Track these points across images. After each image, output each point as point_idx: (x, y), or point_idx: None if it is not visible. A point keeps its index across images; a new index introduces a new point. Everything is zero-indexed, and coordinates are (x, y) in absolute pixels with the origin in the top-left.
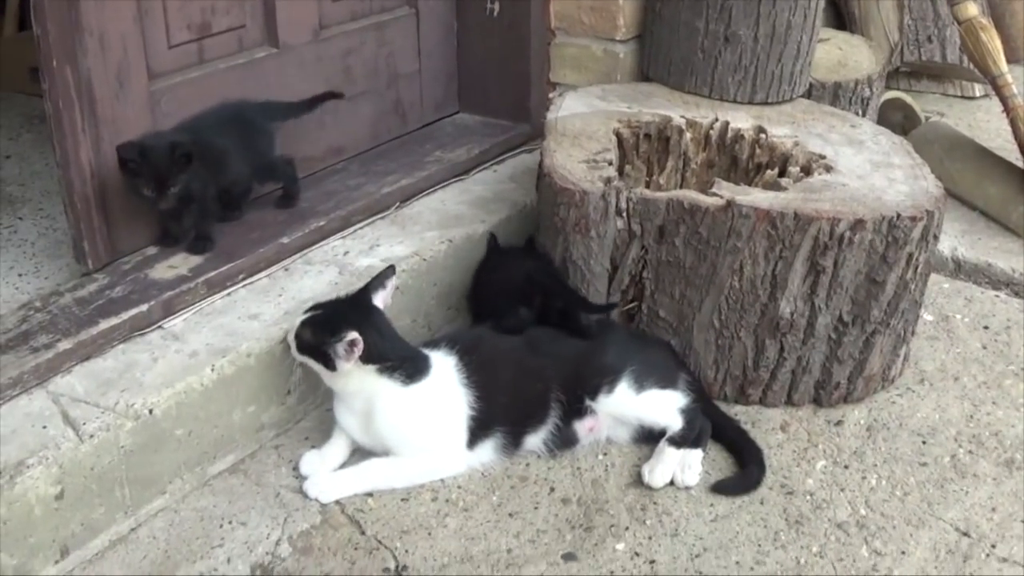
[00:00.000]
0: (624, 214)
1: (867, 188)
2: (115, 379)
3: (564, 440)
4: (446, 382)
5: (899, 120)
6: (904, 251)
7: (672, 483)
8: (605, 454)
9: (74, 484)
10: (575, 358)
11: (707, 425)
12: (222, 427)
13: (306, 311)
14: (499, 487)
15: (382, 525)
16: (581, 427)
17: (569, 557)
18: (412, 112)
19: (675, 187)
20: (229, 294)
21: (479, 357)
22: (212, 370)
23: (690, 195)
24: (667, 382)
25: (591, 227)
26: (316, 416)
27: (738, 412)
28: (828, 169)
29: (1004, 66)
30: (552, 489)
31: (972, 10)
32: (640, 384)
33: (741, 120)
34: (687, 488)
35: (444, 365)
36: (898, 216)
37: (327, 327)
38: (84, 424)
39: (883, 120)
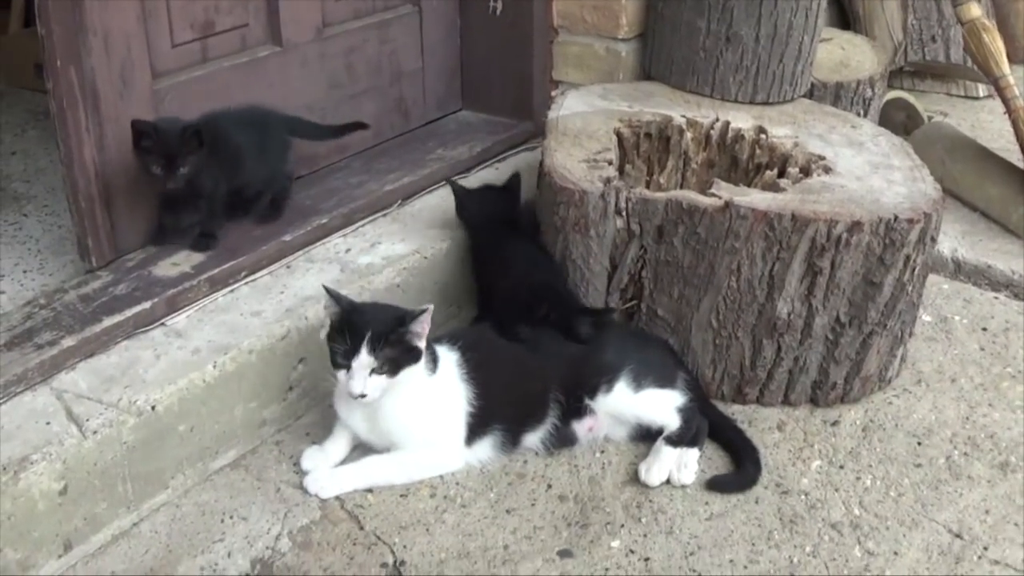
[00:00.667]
0: (623, 214)
1: (865, 190)
2: (118, 376)
3: (562, 440)
4: (450, 378)
5: (902, 120)
6: (901, 253)
7: (668, 481)
8: (602, 452)
9: (77, 479)
10: (574, 357)
11: (704, 424)
12: (224, 423)
13: (351, 355)
14: (497, 484)
15: (381, 521)
16: (580, 427)
17: (565, 554)
18: (415, 110)
19: (675, 186)
20: (232, 291)
21: (480, 355)
22: (214, 367)
23: (689, 195)
24: (665, 381)
25: (590, 226)
26: (316, 412)
27: (735, 411)
28: (827, 170)
29: (1006, 67)
30: (549, 486)
31: (975, 11)
32: (638, 383)
33: (742, 120)
34: (683, 487)
35: (448, 361)
36: (896, 218)
37: (395, 324)
38: (88, 420)
39: (886, 120)
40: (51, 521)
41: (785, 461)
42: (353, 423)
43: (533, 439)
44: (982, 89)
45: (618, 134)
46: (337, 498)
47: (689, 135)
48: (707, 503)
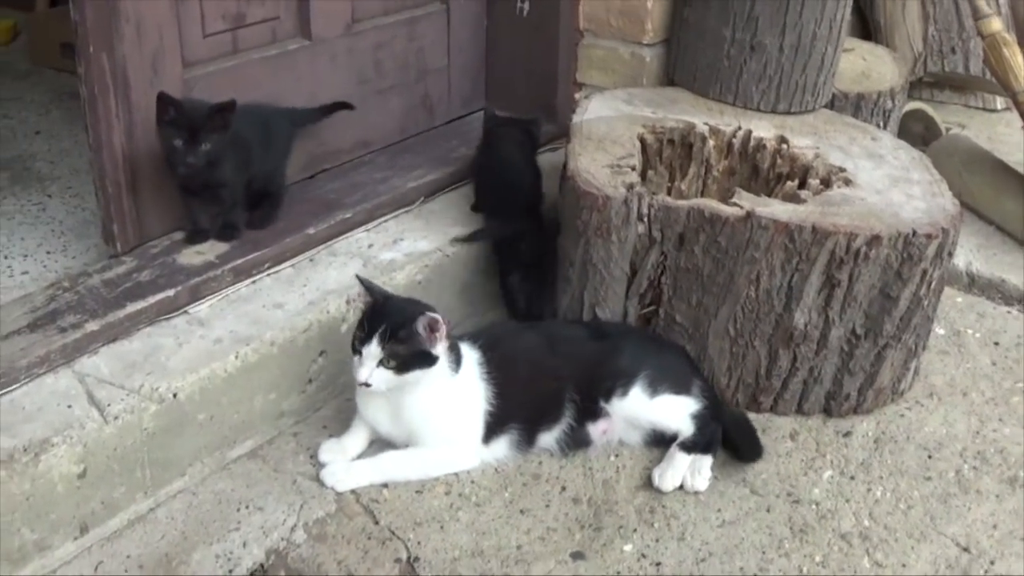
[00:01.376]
0: (645, 220)
1: (885, 203)
2: (140, 362)
3: (577, 441)
4: (470, 376)
5: (920, 131)
6: (919, 267)
7: (682, 487)
8: (617, 456)
9: (97, 463)
10: (590, 360)
11: (718, 431)
12: (243, 413)
13: (364, 343)
14: (512, 484)
15: (396, 516)
16: (595, 429)
17: (577, 556)
18: (439, 107)
19: (696, 193)
20: (254, 282)
21: (499, 354)
22: (236, 357)
23: (711, 204)
24: (680, 387)
25: (612, 231)
26: (335, 405)
27: (749, 419)
28: (847, 183)
29: None
30: (564, 488)
31: (996, 25)
32: (654, 388)
33: (764, 129)
34: (696, 493)
35: (469, 359)
36: (914, 233)
37: (405, 324)
38: (109, 405)
39: (904, 131)
40: (69, 504)
41: (797, 470)
42: (373, 418)
43: (548, 439)
44: (1000, 102)
45: (642, 140)
46: (353, 492)
47: (711, 143)
48: (719, 510)
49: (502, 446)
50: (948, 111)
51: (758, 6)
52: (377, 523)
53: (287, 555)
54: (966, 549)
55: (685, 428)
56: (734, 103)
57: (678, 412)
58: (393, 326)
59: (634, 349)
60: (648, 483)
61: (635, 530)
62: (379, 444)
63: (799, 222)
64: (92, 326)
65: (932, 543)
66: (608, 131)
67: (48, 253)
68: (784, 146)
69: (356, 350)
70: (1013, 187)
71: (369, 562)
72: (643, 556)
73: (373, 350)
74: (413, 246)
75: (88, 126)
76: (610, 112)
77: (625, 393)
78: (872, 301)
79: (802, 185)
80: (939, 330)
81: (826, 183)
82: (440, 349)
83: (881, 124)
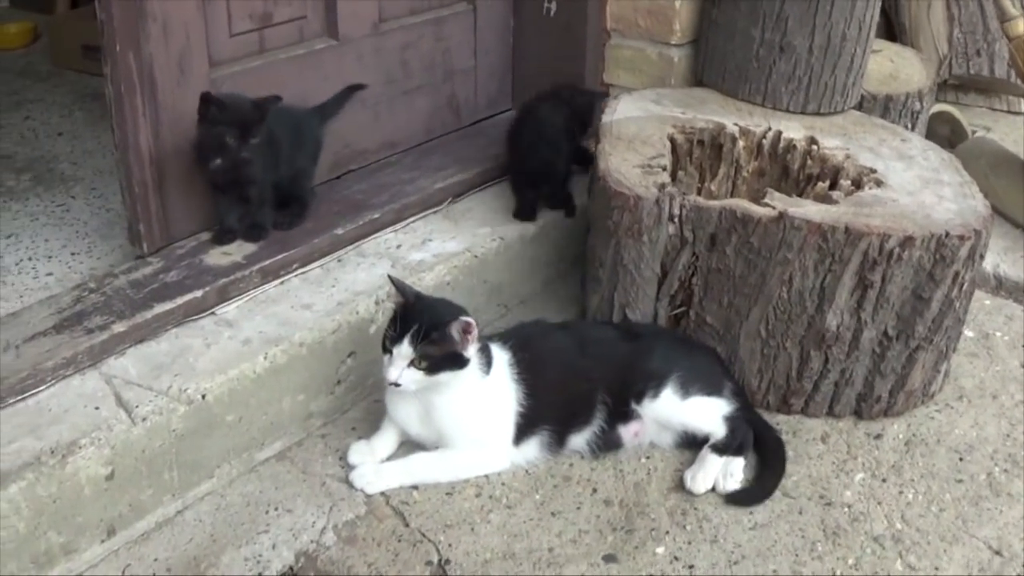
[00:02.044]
0: (677, 220)
1: (916, 205)
2: (168, 363)
3: (608, 443)
4: (501, 377)
5: (946, 133)
6: (951, 269)
7: (713, 490)
8: (648, 458)
9: (124, 466)
10: (622, 361)
11: (750, 434)
12: (271, 414)
13: (395, 342)
14: (543, 486)
15: (426, 518)
16: (626, 432)
17: (610, 559)
18: (466, 108)
19: (726, 194)
20: (282, 283)
21: (530, 355)
22: (264, 358)
23: (743, 205)
24: (712, 389)
25: (643, 232)
26: (363, 407)
27: (780, 421)
28: (879, 184)
29: None
30: (595, 490)
31: (1022, 27)
32: (685, 390)
33: (793, 130)
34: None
35: (499, 360)
36: (947, 234)
37: (437, 326)
38: (137, 407)
39: (930, 133)
40: (96, 506)
41: (828, 473)
42: (403, 419)
43: (579, 441)
44: None
45: (671, 140)
46: (383, 494)
47: (741, 143)
48: (751, 512)
49: (533, 448)
50: (973, 114)
51: (787, 6)
52: (407, 525)
53: (317, 558)
54: (998, 552)
55: (717, 430)
56: (763, 104)
57: (710, 414)
58: (425, 327)
59: (665, 350)
60: (680, 485)
61: (667, 532)
62: (409, 446)
63: (832, 223)
64: (119, 327)
65: (964, 546)
66: (638, 131)
67: (73, 254)
68: (814, 147)
69: (387, 349)
70: None
71: (400, 565)
72: (675, 559)
73: (404, 350)
74: (442, 247)
75: (114, 126)
76: (639, 112)
77: (656, 395)
78: (904, 303)
79: (832, 186)
80: (968, 333)
81: (857, 184)
82: (471, 351)
83: (909, 126)
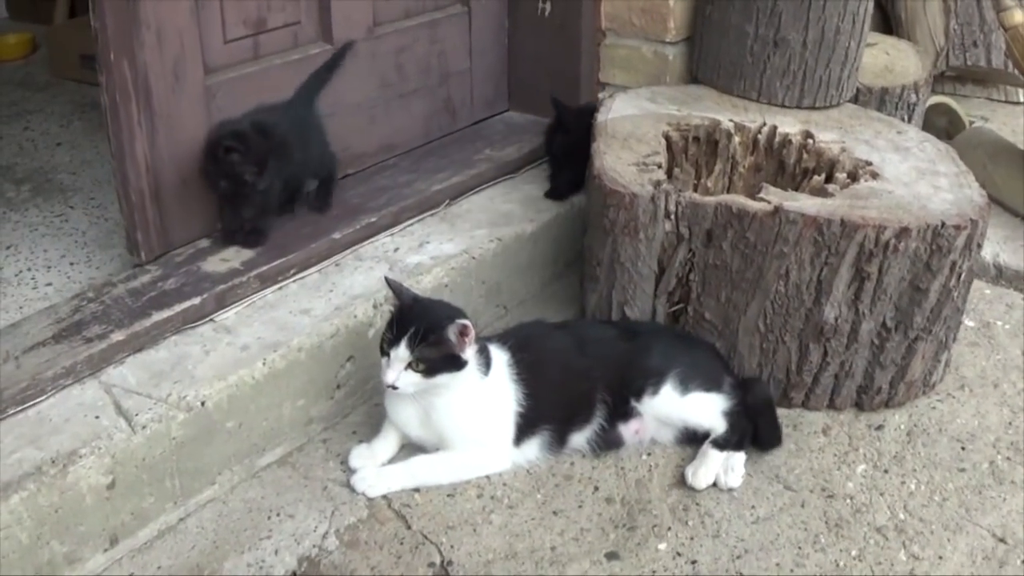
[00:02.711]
0: (673, 217)
1: (912, 196)
2: (167, 371)
3: (609, 441)
4: (500, 378)
5: (943, 125)
6: (948, 259)
7: (715, 485)
8: (649, 454)
9: (125, 474)
10: (621, 359)
11: (749, 428)
12: (272, 420)
13: (392, 345)
14: (544, 485)
15: (428, 520)
16: (626, 429)
17: (612, 556)
18: (462, 110)
19: (722, 190)
20: (280, 288)
21: (529, 355)
22: (264, 364)
23: (738, 200)
24: (712, 385)
25: (640, 229)
26: (364, 411)
27: (781, 415)
28: (874, 176)
29: None
30: (596, 488)
31: (1018, 17)
32: (685, 386)
33: (789, 125)
34: (730, 490)
35: (499, 361)
36: (943, 224)
37: (434, 328)
38: (137, 415)
39: (928, 125)
40: (98, 515)
41: (830, 465)
42: (403, 422)
43: (580, 439)
44: (1022, 94)
45: (667, 137)
46: (384, 497)
47: (737, 139)
48: (753, 507)
49: (533, 448)
50: (971, 104)
51: (780, 2)
52: (409, 528)
53: (319, 562)
54: (1002, 540)
55: (717, 425)
56: (758, 99)
57: (710, 409)
58: (422, 330)
59: (664, 347)
60: (681, 481)
61: (669, 528)
62: (409, 448)
63: (828, 216)
64: (118, 336)
65: (968, 535)
66: (633, 129)
67: (72, 264)
68: (810, 141)
69: (384, 352)
70: None
71: (402, 567)
72: (678, 554)
73: (401, 353)
74: (439, 249)
75: (110, 135)
76: (634, 111)
77: (656, 392)
78: (902, 294)
79: (829, 179)
80: (968, 322)
81: (853, 177)
82: (469, 353)
83: (906, 118)
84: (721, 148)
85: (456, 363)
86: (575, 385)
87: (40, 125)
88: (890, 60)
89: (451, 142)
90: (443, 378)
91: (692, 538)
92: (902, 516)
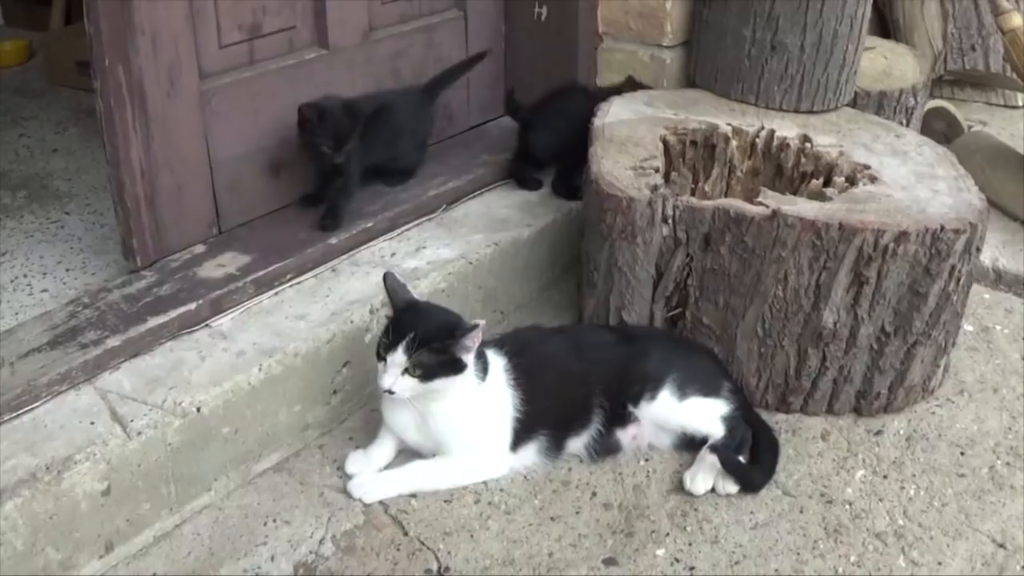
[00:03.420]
0: (670, 221)
1: (911, 200)
2: (163, 377)
3: (606, 446)
4: (497, 384)
5: (942, 129)
6: (947, 263)
7: (713, 490)
8: (647, 460)
9: (121, 480)
10: (618, 364)
11: (748, 434)
12: (268, 426)
13: (389, 350)
14: (541, 491)
15: (425, 526)
16: (624, 435)
17: (610, 562)
18: (459, 115)
19: (720, 194)
20: (276, 294)
21: (526, 360)
22: (259, 370)
23: (736, 204)
24: (709, 390)
25: (637, 234)
26: (360, 416)
27: (779, 420)
28: (873, 180)
29: None
30: (594, 494)
31: (1016, 20)
32: (682, 392)
33: (786, 128)
34: (728, 495)
35: (495, 366)
36: (942, 228)
37: (440, 334)
38: (132, 421)
39: (926, 129)
40: (93, 521)
41: (829, 471)
42: (400, 427)
43: (577, 445)
44: (1021, 98)
45: (664, 142)
46: (381, 503)
47: (734, 143)
48: (752, 512)
49: (531, 453)
50: (969, 108)
51: (778, 5)
52: (406, 534)
53: (316, 568)
54: (1002, 545)
55: (715, 431)
56: (756, 103)
57: (708, 415)
58: (420, 336)
59: (662, 352)
60: (679, 487)
61: (667, 534)
62: (406, 454)
63: (826, 219)
64: (113, 342)
65: (967, 540)
66: (630, 134)
67: (67, 270)
68: (808, 145)
69: (381, 357)
70: None
71: (399, 573)
72: (676, 560)
73: (398, 358)
74: (436, 254)
75: (105, 140)
76: (631, 115)
77: (654, 397)
78: (901, 298)
79: (827, 183)
80: (967, 327)
81: (851, 181)
82: (468, 358)
83: (904, 122)
84: (719, 152)
85: (453, 368)
86: (572, 390)
87: (36, 131)
88: (888, 64)
89: (448, 147)
90: (440, 383)
91: (690, 544)
92: (901, 522)
